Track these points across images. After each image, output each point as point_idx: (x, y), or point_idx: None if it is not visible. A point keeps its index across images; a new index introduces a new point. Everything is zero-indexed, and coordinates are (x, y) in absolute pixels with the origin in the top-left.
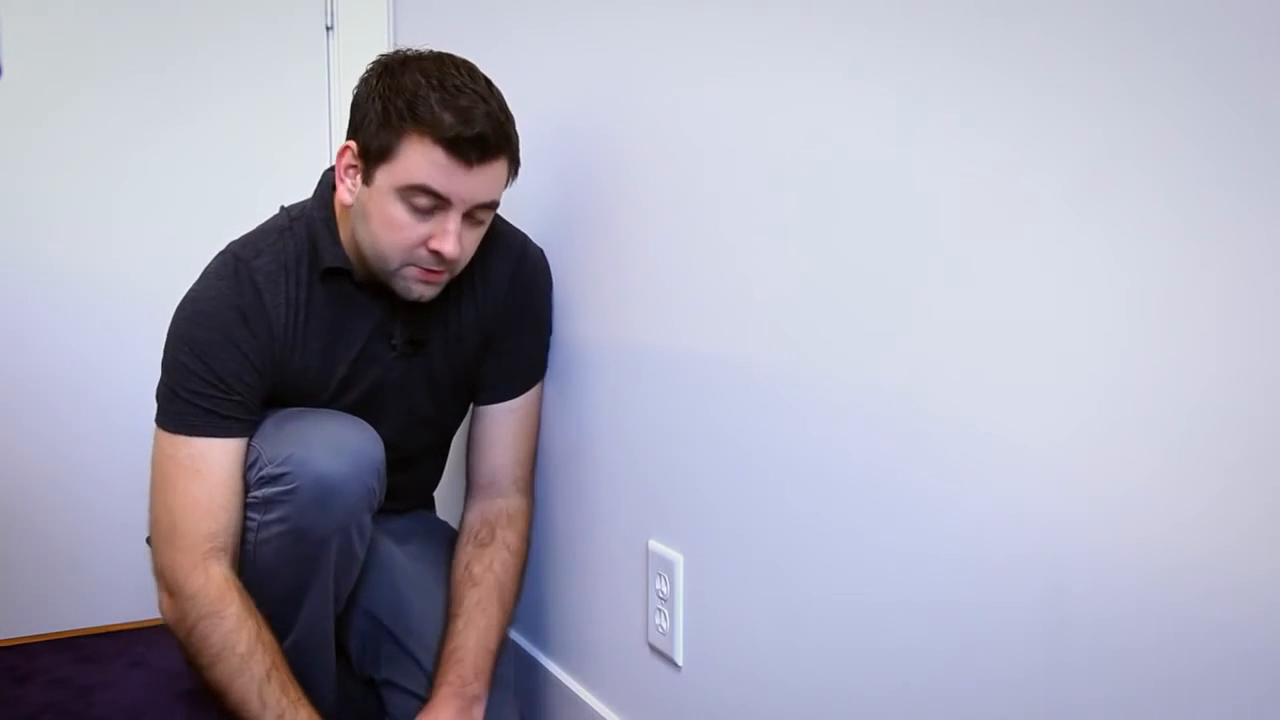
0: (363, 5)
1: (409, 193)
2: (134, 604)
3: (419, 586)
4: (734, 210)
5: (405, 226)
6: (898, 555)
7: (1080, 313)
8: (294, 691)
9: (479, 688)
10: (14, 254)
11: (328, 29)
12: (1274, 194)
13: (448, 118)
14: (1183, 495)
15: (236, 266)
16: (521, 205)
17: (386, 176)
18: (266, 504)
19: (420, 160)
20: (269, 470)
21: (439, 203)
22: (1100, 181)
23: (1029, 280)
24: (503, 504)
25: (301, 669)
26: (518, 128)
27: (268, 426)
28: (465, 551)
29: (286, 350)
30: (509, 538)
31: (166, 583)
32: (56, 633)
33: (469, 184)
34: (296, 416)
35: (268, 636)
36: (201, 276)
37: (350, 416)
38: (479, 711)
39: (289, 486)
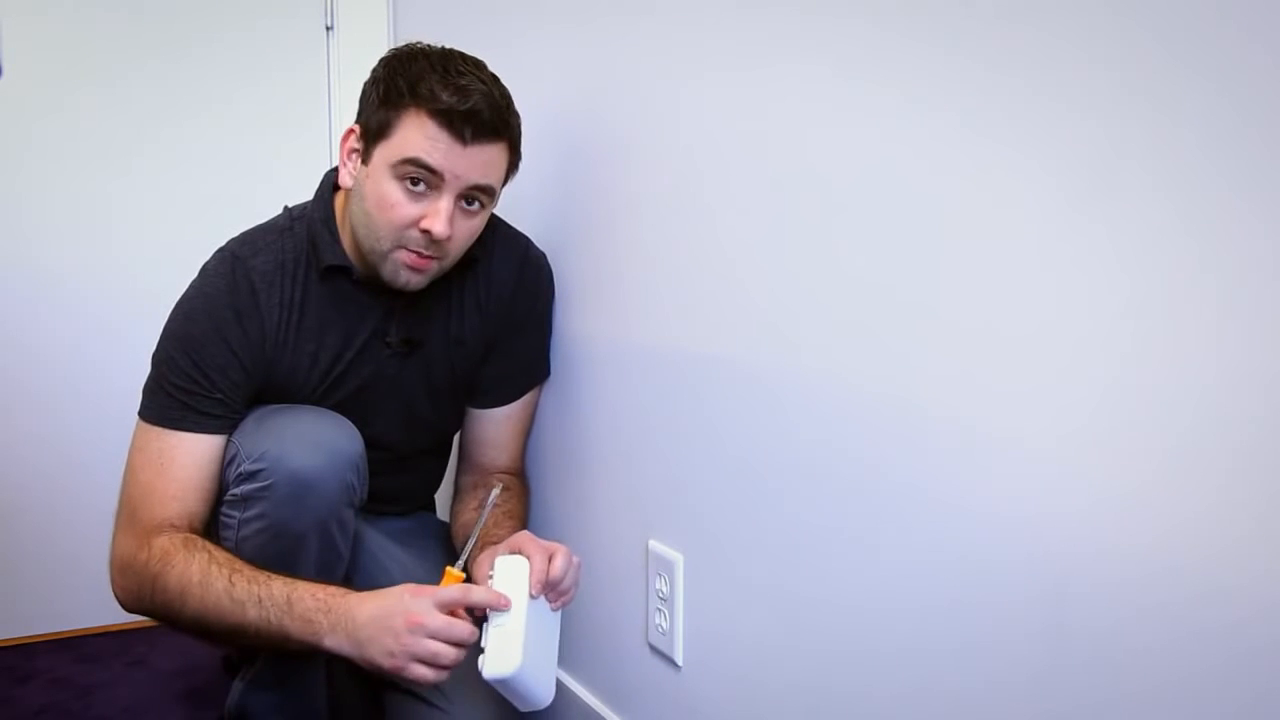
0: (363, 5)
1: (403, 167)
2: None
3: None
4: (733, 210)
5: (398, 204)
6: (898, 555)
7: (1080, 313)
8: (261, 575)
9: None
10: (14, 253)
11: (328, 29)
12: (1274, 194)
13: (445, 94)
14: (1183, 495)
15: (234, 265)
16: (520, 205)
17: (383, 153)
18: (245, 501)
19: (415, 133)
20: (246, 467)
21: (432, 179)
22: (1101, 181)
23: (1029, 280)
24: (505, 476)
25: (290, 669)
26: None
27: (248, 423)
28: (481, 491)
29: (278, 350)
30: (516, 496)
31: (118, 565)
32: (56, 633)
33: (462, 161)
34: (276, 413)
35: (220, 554)
36: (200, 274)
37: (330, 413)
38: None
39: (264, 483)
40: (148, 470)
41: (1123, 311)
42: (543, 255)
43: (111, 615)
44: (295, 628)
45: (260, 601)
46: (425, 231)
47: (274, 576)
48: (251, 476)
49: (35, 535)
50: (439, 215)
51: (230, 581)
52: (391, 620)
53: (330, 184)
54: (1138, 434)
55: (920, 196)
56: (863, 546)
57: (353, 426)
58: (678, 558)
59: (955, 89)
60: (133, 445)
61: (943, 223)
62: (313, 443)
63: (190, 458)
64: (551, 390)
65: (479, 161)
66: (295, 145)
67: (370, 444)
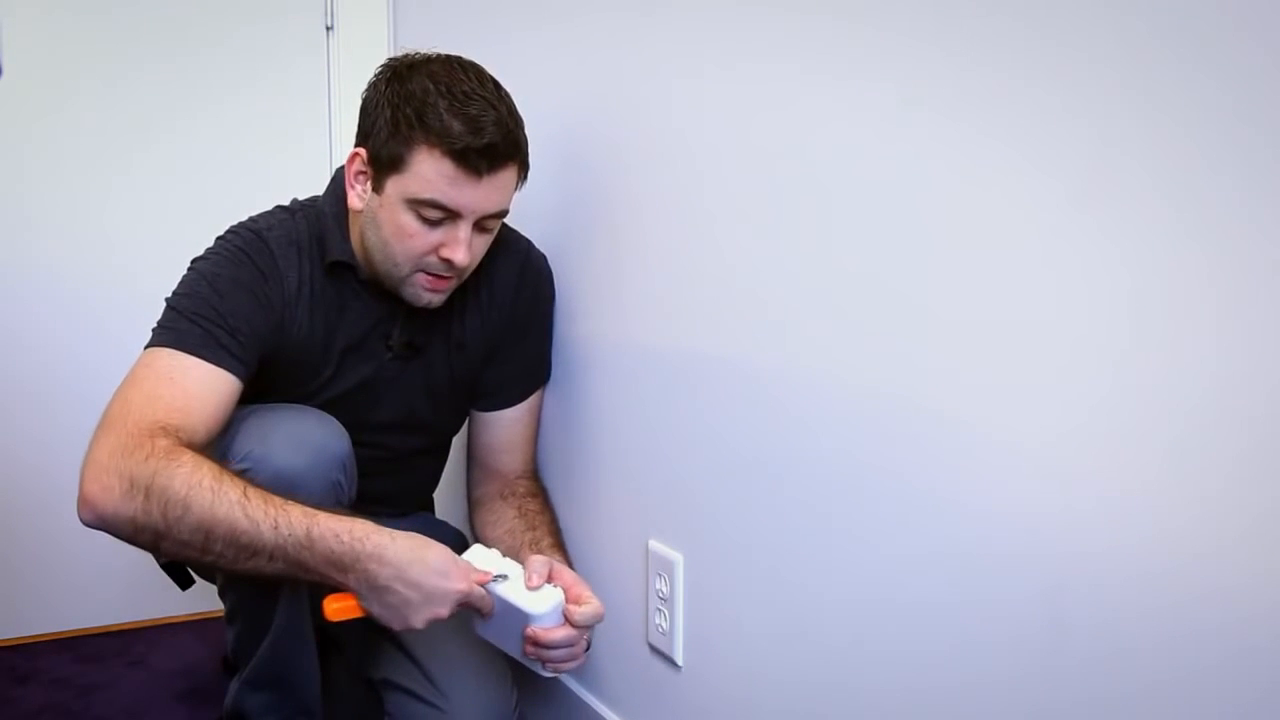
0: (363, 5)
1: (419, 205)
2: (134, 604)
3: None
4: (733, 210)
5: (416, 235)
6: (897, 555)
7: (1080, 313)
8: (278, 498)
9: None
10: (14, 254)
11: (328, 29)
12: (1274, 194)
13: (456, 126)
14: (1182, 495)
15: (252, 236)
16: (520, 205)
17: (397, 186)
18: None
19: (430, 173)
20: (231, 467)
21: (449, 214)
22: (1100, 181)
23: (1029, 280)
24: (523, 481)
25: (282, 669)
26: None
27: (232, 424)
28: (510, 502)
29: (292, 319)
30: (544, 503)
31: (99, 464)
32: (56, 633)
33: (478, 195)
34: (260, 412)
35: (231, 472)
36: (215, 242)
37: (316, 411)
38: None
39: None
40: (153, 380)
41: (1123, 310)
42: (543, 257)
43: (111, 615)
44: (316, 564)
45: (277, 527)
46: (446, 260)
47: (289, 501)
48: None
49: (35, 535)
50: (459, 245)
51: (245, 495)
52: (432, 604)
53: (343, 181)
54: (1138, 433)
55: (920, 196)
56: (863, 545)
57: (339, 425)
58: (678, 558)
59: (955, 88)
60: (135, 365)
61: (942, 222)
62: (297, 442)
63: (202, 379)
64: (552, 391)
65: (495, 189)
66: (295, 145)
67: (367, 444)
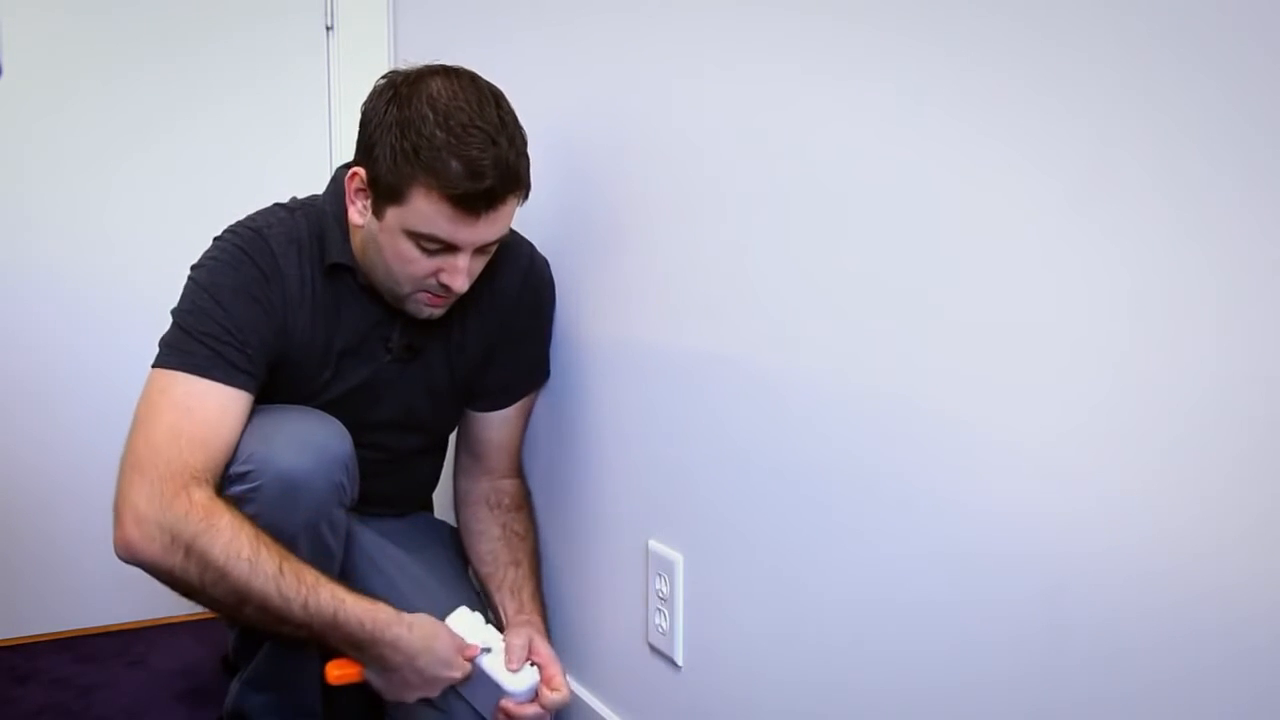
0: (363, 5)
1: (418, 237)
2: (134, 604)
3: (418, 585)
4: (735, 211)
5: (415, 261)
6: (898, 555)
7: (1080, 313)
8: (310, 575)
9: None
10: (14, 254)
11: (328, 29)
12: (1274, 194)
13: (455, 168)
14: (1182, 495)
15: (252, 235)
16: (524, 207)
17: (396, 217)
18: (235, 502)
19: (428, 211)
20: (234, 469)
21: (448, 246)
22: (1100, 181)
23: (1029, 280)
24: (509, 484)
25: (282, 669)
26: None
27: None
28: (495, 515)
29: (294, 321)
30: (527, 518)
31: (137, 513)
32: (56, 633)
33: (477, 232)
34: (263, 414)
35: (266, 537)
36: (214, 244)
37: (318, 413)
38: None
39: (253, 485)
40: (173, 412)
41: (1123, 311)
42: (545, 263)
43: (111, 615)
44: (337, 641)
45: (307, 606)
46: (445, 285)
47: (320, 580)
48: (241, 478)
49: (35, 535)
50: (459, 274)
51: (280, 572)
52: (428, 687)
53: (343, 182)
54: (1138, 433)
55: (921, 196)
56: (863, 545)
57: (342, 426)
58: (678, 558)
59: (955, 88)
60: (151, 390)
61: (944, 222)
62: (300, 443)
63: (218, 404)
64: (553, 391)
65: (493, 224)
66: (295, 145)
67: (366, 445)
